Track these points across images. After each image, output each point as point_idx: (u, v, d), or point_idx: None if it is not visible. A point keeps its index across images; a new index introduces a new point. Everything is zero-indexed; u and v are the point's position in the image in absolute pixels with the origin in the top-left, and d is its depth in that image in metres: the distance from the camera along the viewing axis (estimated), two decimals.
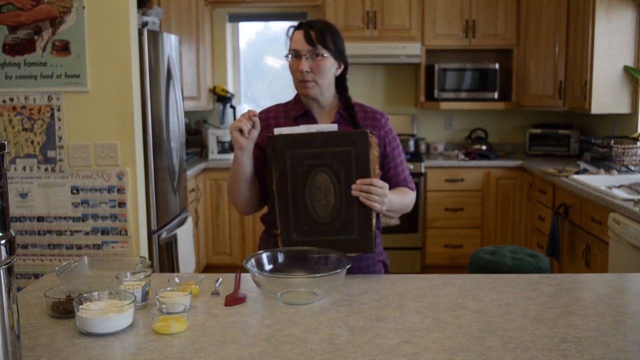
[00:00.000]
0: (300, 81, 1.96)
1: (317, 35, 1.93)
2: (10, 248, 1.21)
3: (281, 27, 5.84)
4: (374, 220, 1.85)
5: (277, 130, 1.86)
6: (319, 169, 1.83)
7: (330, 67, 1.96)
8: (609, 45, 4.27)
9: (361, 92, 5.40)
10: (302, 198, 1.84)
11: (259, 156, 2.00)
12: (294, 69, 1.96)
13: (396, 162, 2.04)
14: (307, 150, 1.82)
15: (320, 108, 2.03)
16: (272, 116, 2.05)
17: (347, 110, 2.03)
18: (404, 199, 2.00)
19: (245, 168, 1.91)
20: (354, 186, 1.82)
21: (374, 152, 1.84)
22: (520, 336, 1.44)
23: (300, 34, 1.95)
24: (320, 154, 1.82)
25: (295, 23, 2.02)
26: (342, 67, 2.01)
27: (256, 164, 1.99)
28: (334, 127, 1.89)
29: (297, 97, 2.07)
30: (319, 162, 1.82)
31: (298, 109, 2.03)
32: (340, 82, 2.04)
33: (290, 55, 1.97)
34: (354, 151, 1.81)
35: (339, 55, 1.98)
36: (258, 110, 1.97)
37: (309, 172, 1.83)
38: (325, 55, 1.93)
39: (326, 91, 1.99)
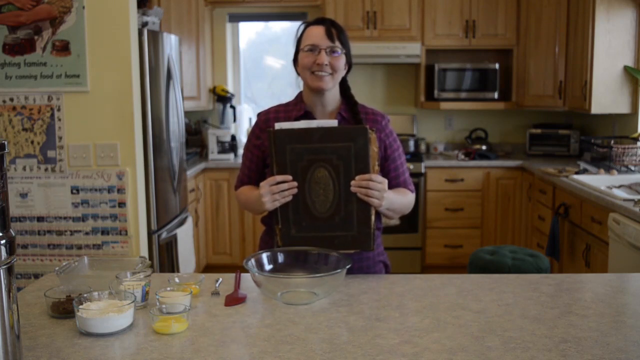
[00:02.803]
0: (315, 72, 1.95)
1: (337, 32, 1.96)
2: (10, 248, 1.21)
3: (281, 27, 5.84)
4: (372, 218, 1.85)
5: (278, 125, 1.87)
6: (318, 164, 1.83)
7: (343, 65, 1.99)
8: (609, 45, 4.27)
9: (361, 92, 5.39)
10: (302, 193, 1.84)
11: (259, 157, 2.03)
12: (309, 62, 1.95)
13: (396, 164, 2.05)
14: (306, 145, 1.83)
15: (322, 107, 2.03)
16: (272, 117, 2.05)
17: (349, 110, 2.03)
18: (403, 198, 2.01)
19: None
20: (353, 182, 1.82)
21: (374, 149, 1.85)
22: (520, 336, 1.44)
23: (321, 29, 1.96)
24: (320, 149, 1.83)
25: (299, 22, 2.03)
26: (347, 68, 2.04)
27: (257, 165, 2.03)
28: (334, 122, 1.90)
29: (298, 97, 2.07)
30: (318, 157, 1.83)
31: (299, 109, 2.03)
32: (343, 83, 2.06)
33: (304, 49, 1.97)
34: (353, 147, 1.82)
35: (348, 57, 2.02)
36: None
37: (308, 166, 1.84)
38: (341, 52, 1.96)
39: (334, 88, 2.01)
